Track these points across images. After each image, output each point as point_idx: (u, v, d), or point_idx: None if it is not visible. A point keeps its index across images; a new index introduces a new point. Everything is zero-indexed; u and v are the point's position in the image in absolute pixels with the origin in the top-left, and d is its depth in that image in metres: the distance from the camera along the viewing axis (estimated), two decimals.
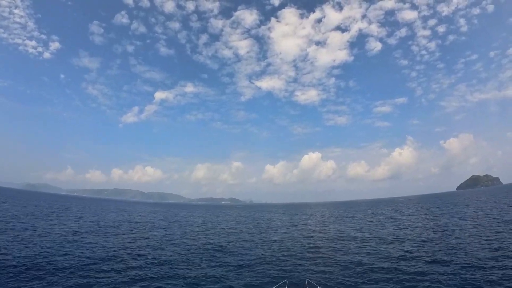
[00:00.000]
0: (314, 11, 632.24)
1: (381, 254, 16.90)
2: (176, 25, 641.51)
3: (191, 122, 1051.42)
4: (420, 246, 18.20)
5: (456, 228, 24.75)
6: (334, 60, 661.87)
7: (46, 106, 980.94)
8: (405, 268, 13.52)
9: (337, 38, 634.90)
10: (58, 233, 22.12)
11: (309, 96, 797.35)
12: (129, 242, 21.00)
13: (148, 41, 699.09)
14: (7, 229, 22.10)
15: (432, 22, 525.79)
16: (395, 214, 47.69)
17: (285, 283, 8.63)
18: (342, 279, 11.93)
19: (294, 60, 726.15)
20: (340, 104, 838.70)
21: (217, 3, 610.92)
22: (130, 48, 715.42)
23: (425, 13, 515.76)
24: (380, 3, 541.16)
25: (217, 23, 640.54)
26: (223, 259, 16.41)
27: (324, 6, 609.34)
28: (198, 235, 26.86)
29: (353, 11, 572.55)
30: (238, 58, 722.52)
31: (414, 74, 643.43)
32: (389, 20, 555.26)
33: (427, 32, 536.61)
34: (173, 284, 11.88)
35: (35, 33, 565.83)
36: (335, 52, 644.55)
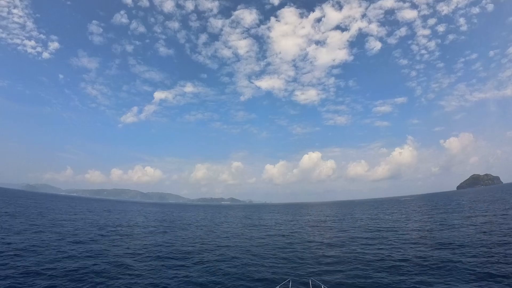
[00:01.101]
0: (313, 11, 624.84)
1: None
2: (175, 24, 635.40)
3: (191, 122, 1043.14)
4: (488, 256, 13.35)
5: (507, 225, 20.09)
6: (333, 60, 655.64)
7: (45, 106, 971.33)
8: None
9: (336, 38, 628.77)
10: None
11: (308, 95, 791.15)
12: (74, 255, 16.02)
13: (147, 41, 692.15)
14: None
15: (431, 21, 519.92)
16: (410, 213, 42.85)
17: (288, 282, 8.40)
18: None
19: (293, 60, 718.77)
20: (340, 104, 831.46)
21: (217, 3, 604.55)
22: (129, 48, 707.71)
23: (425, 12, 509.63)
24: (380, 2, 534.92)
25: (217, 23, 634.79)
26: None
27: (323, 6, 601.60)
28: (186, 241, 21.99)
29: (353, 10, 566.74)
30: (237, 57, 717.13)
31: (413, 73, 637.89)
32: (389, 19, 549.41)
33: (426, 32, 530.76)
34: None
35: (34, 33, 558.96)
36: (334, 51, 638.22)
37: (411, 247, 16.36)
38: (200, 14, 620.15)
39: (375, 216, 41.21)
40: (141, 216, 46.43)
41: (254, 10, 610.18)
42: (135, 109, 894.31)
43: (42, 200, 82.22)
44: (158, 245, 18.69)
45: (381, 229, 25.43)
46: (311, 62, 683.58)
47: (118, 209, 66.68)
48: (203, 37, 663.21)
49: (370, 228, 26.78)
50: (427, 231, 21.99)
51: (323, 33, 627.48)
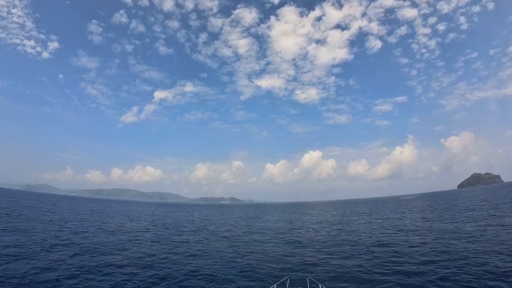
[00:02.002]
0: (314, 9, 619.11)
1: None
2: (175, 24, 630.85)
3: (191, 122, 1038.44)
4: None
5: None
6: (334, 59, 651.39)
7: (45, 106, 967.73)
8: None
9: (337, 37, 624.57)
10: None
11: (309, 95, 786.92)
12: None
13: (147, 40, 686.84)
14: None
15: (432, 20, 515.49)
16: (426, 212, 38.35)
17: (286, 280, 8.36)
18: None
19: (293, 59, 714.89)
20: (340, 103, 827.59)
21: (216, 2, 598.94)
22: (129, 48, 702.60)
23: (425, 11, 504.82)
24: (380, 1, 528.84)
25: (217, 22, 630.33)
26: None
27: (324, 4, 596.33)
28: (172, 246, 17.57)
29: (353, 9, 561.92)
30: (237, 57, 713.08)
31: (414, 72, 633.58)
32: (389, 18, 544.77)
33: (427, 30, 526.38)
34: None
35: (34, 33, 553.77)
36: (335, 50, 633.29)
37: (465, 259, 11.95)
38: (200, 13, 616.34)
39: (385, 215, 36.87)
40: (126, 217, 42.00)
41: (254, 9, 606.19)
42: (135, 108, 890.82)
43: (30, 199, 77.53)
44: (120, 255, 14.30)
45: (402, 230, 21.06)
46: (311, 61, 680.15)
47: (107, 209, 62.21)
48: (203, 36, 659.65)
49: (389, 231, 22.37)
50: (472, 236, 17.47)
51: (323, 32, 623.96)
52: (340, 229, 25.44)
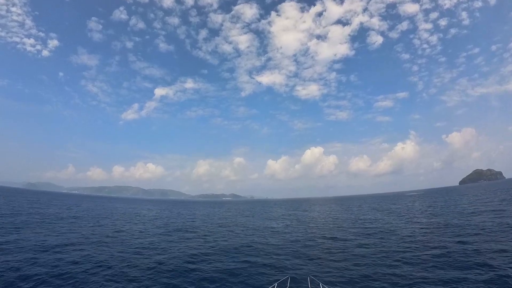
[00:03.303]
0: (314, 5, 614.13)
1: None
2: (175, 20, 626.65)
3: (192, 119, 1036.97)
4: None
5: None
6: (335, 54, 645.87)
7: (46, 105, 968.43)
8: None
9: (338, 32, 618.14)
10: None
11: (310, 91, 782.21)
12: None
13: (147, 37, 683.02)
14: None
15: (433, 15, 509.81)
16: (465, 207, 34.08)
17: (287, 279, 8.35)
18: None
19: (294, 55, 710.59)
20: (341, 99, 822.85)
21: None
22: (129, 45, 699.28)
23: (427, 6, 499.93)
24: None
25: (217, 18, 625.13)
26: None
27: None
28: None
29: (354, 4, 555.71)
30: (238, 53, 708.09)
31: (415, 68, 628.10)
32: (391, 13, 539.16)
33: (428, 26, 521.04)
34: None
35: (33, 31, 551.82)
36: (336, 46, 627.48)
37: None
38: (200, 9, 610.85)
39: (398, 214, 33.01)
40: (99, 219, 38.47)
41: (255, 5, 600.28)
42: (135, 106, 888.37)
43: (16, 197, 73.56)
44: None
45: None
46: (312, 57, 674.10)
47: (91, 207, 58.54)
48: (203, 33, 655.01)
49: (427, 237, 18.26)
50: None
51: (324, 27, 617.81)
52: (367, 234, 21.63)
